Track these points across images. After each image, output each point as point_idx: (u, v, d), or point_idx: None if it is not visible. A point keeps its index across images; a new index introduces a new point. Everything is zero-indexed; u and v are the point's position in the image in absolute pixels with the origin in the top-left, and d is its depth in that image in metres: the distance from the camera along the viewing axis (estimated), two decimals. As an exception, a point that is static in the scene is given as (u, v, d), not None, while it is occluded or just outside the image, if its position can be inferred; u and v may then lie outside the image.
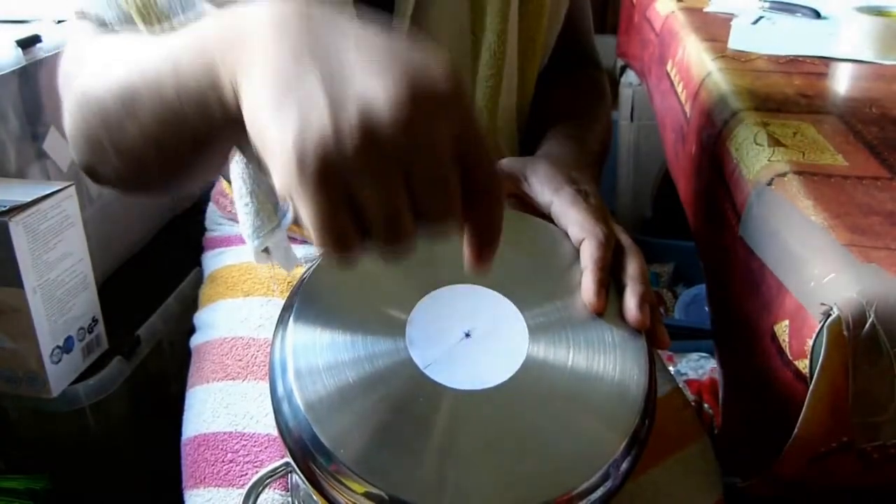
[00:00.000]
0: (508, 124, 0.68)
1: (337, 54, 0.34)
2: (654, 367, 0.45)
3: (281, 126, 0.32)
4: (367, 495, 0.38)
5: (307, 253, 0.72)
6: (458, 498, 0.38)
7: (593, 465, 0.40)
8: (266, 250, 0.65)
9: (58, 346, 0.82)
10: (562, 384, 0.43)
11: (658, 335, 0.48)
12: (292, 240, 0.70)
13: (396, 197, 0.32)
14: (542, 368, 0.43)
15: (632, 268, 0.49)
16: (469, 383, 0.42)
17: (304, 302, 0.44)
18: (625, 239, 0.51)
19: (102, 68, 0.48)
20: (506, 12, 0.62)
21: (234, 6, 0.40)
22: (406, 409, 0.40)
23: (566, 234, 0.51)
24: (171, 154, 0.46)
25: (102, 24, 0.54)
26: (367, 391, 0.41)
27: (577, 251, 0.49)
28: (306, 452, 0.39)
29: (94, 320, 0.88)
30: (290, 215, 0.64)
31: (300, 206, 0.32)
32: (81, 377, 0.87)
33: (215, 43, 0.39)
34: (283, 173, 0.32)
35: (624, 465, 0.41)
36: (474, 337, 0.44)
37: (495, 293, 0.46)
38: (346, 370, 0.41)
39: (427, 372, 0.42)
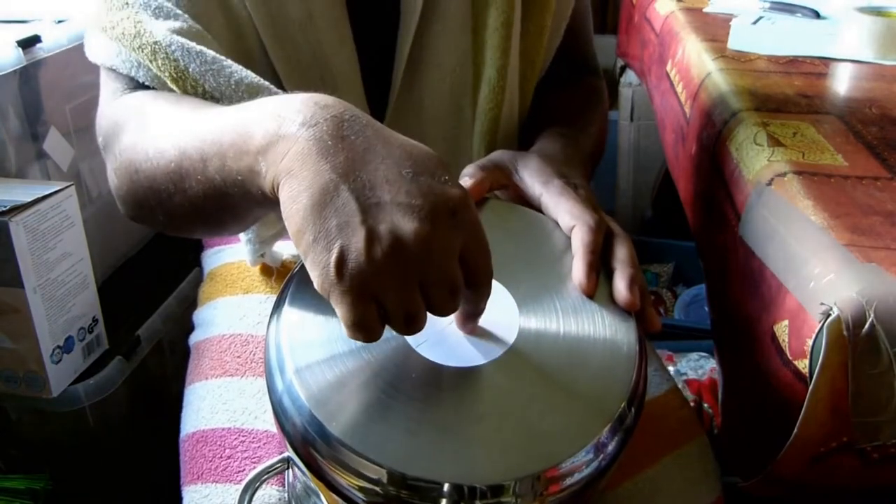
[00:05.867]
0: (508, 141, 0.68)
1: (375, 181, 0.39)
2: (644, 350, 0.46)
3: (320, 237, 0.38)
4: (369, 475, 0.38)
5: None
6: (455, 471, 0.38)
7: (579, 442, 0.40)
8: (262, 255, 0.66)
9: (58, 346, 0.82)
10: (551, 363, 0.44)
11: (648, 317, 0.49)
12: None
13: (414, 300, 0.38)
14: (532, 348, 0.44)
15: (621, 252, 0.50)
16: (461, 361, 0.43)
17: (297, 294, 0.45)
18: (614, 226, 0.52)
19: (148, 139, 0.50)
20: (506, 47, 0.62)
21: (269, 97, 0.46)
22: (401, 388, 0.41)
23: (556, 224, 0.52)
24: (216, 219, 0.51)
25: (133, 81, 0.55)
26: (363, 375, 0.42)
27: (568, 238, 0.50)
28: (308, 441, 0.40)
29: (94, 320, 0.88)
30: None
31: (335, 306, 0.38)
32: (81, 377, 0.87)
33: (257, 139, 0.42)
34: (322, 280, 0.38)
35: (611, 447, 0.42)
36: None
37: None
38: (342, 358, 0.42)
39: (419, 350, 0.43)
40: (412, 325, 0.39)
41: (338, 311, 0.38)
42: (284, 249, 0.71)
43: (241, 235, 0.65)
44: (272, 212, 0.49)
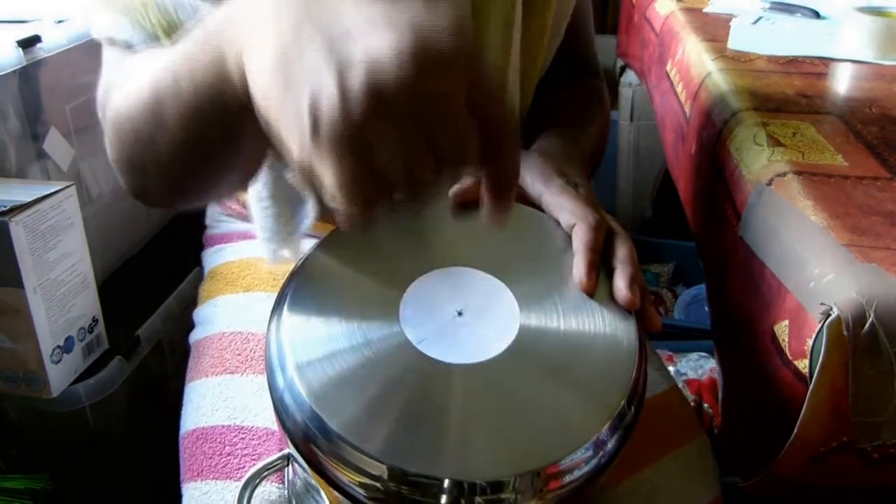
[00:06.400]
0: None
1: (337, 16, 0.33)
2: (644, 348, 0.46)
3: (290, 97, 0.32)
4: (369, 471, 0.38)
5: None
6: (455, 467, 0.38)
7: (579, 440, 0.40)
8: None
9: (58, 346, 0.82)
10: (551, 361, 0.44)
11: (649, 317, 0.49)
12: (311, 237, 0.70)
13: (414, 148, 0.32)
14: (532, 345, 0.44)
15: (621, 251, 0.50)
16: (462, 357, 0.43)
17: (298, 291, 0.45)
18: (614, 225, 0.52)
19: (129, 87, 0.48)
20: (507, 47, 0.62)
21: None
22: (402, 384, 0.41)
23: (557, 223, 0.52)
24: (202, 158, 0.46)
25: (130, 48, 0.55)
26: (364, 372, 0.42)
27: (568, 237, 0.50)
28: (309, 437, 0.40)
29: (94, 320, 0.88)
30: (310, 220, 0.64)
31: (321, 173, 0.32)
32: (81, 377, 0.87)
33: (220, 32, 0.39)
34: (299, 145, 0.32)
35: (611, 445, 0.42)
36: (466, 315, 0.45)
37: (487, 275, 0.47)
38: (344, 354, 0.42)
39: (420, 347, 0.43)
40: (417, 181, 0.33)
41: (324, 178, 0.32)
42: (305, 246, 0.70)
43: (259, 233, 0.64)
44: (256, 136, 0.41)
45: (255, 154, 0.50)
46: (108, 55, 0.57)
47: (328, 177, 0.32)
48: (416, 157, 0.33)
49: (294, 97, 0.32)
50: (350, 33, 0.33)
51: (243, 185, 0.55)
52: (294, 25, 0.34)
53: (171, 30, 0.52)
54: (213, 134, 0.44)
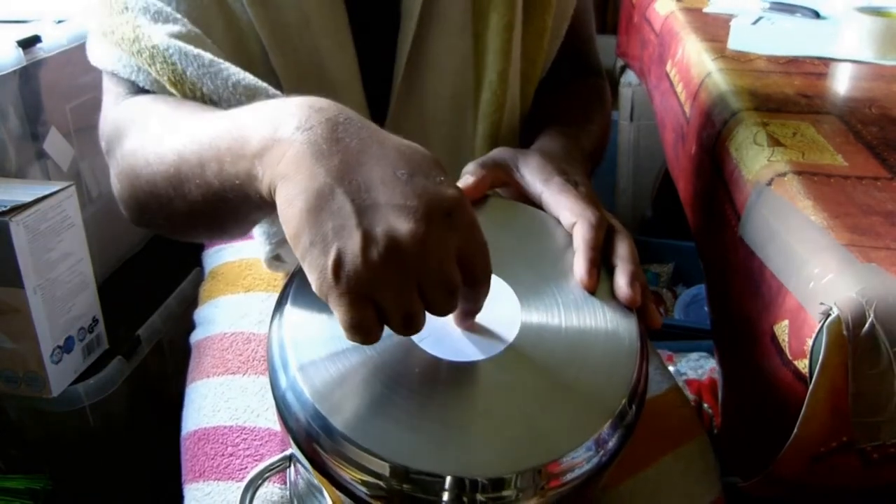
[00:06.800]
0: (510, 143, 0.68)
1: (367, 183, 0.39)
2: (645, 346, 0.46)
3: (318, 245, 0.38)
4: (372, 469, 0.39)
5: None
6: (457, 464, 0.39)
7: (580, 438, 0.40)
8: (277, 257, 0.65)
9: (58, 346, 0.82)
10: (553, 359, 0.44)
11: (650, 314, 0.49)
12: None
13: (412, 301, 0.38)
14: (534, 343, 0.44)
15: (622, 249, 0.50)
16: (464, 356, 0.43)
17: (300, 290, 0.45)
18: (615, 223, 0.52)
19: (148, 144, 0.51)
20: (507, 50, 0.62)
21: (266, 100, 0.46)
22: (404, 383, 0.42)
23: (558, 221, 0.52)
24: (216, 222, 0.52)
25: (135, 85, 0.56)
26: (366, 370, 0.42)
27: (569, 235, 0.50)
28: (311, 436, 0.40)
29: (94, 320, 0.88)
30: None
31: (334, 309, 0.38)
32: (81, 377, 0.87)
33: (253, 143, 0.43)
34: (320, 284, 0.38)
35: (612, 443, 0.42)
36: None
37: None
38: (346, 354, 0.42)
39: (422, 346, 0.43)
40: (410, 325, 0.39)
41: (336, 313, 0.38)
42: None
43: (257, 235, 0.64)
44: (270, 216, 0.49)
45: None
46: (112, 89, 0.58)
47: (339, 312, 0.38)
48: (412, 305, 0.38)
49: (322, 246, 0.38)
50: (377, 200, 0.39)
51: (246, 233, 0.58)
52: (331, 180, 0.39)
53: (178, 83, 0.53)
54: (231, 210, 0.48)
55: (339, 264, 0.37)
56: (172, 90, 0.53)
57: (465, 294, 0.41)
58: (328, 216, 0.38)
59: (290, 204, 0.39)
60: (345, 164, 0.40)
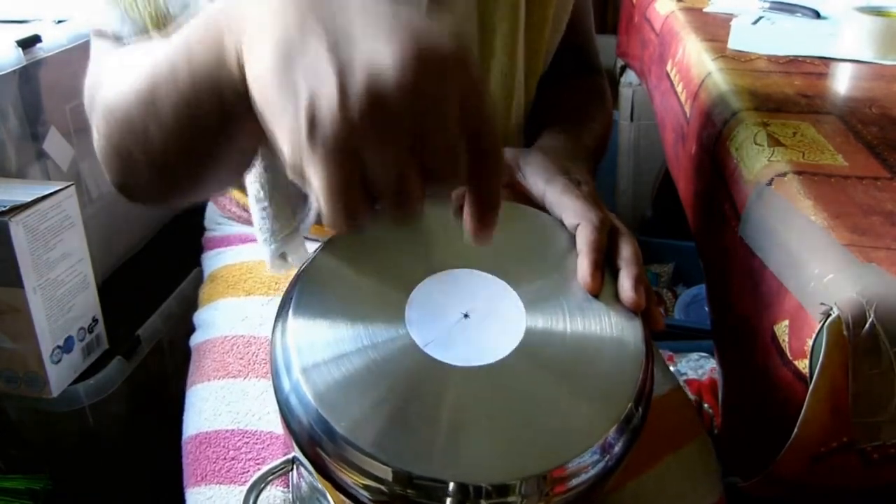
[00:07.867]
0: (517, 137, 0.68)
1: (343, 18, 0.33)
2: (650, 349, 0.46)
3: (288, 95, 0.32)
4: (375, 473, 0.38)
5: None
6: (461, 470, 0.38)
7: (586, 442, 0.40)
8: (282, 256, 0.65)
9: (58, 346, 0.82)
10: (558, 362, 0.43)
11: (653, 316, 0.48)
12: (310, 241, 0.70)
13: (405, 160, 0.33)
14: (538, 347, 0.44)
15: (626, 251, 0.49)
16: (468, 360, 0.43)
17: (303, 293, 0.45)
18: (618, 224, 0.52)
19: (121, 78, 0.48)
20: (515, 32, 0.62)
21: None
22: (409, 387, 0.41)
23: (561, 223, 0.51)
24: (195, 151, 0.46)
25: (119, 40, 0.55)
26: (370, 374, 0.41)
27: (572, 237, 0.50)
28: (314, 440, 0.40)
29: (94, 320, 0.88)
30: (310, 218, 0.64)
31: (311, 175, 0.32)
32: (81, 377, 0.87)
33: (221, 22, 0.39)
34: (292, 144, 0.32)
35: (618, 447, 0.41)
36: (472, 317, 0.45)
37: (492, 276, 0.47)
38: (349, 357, 0.42)
39: (427, 350, 0.43)
40: (404, 193, 0.33)
41: (313, 182, 0.32)
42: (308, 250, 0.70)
43: (258, 234, 0.64)
44: (254, 130, 0.40)
45: (248, 149, 0.49)
46: (97, 47, 0.57)
47: (317, 179, 0.32)
48: (404, 165, 0.33)
49: (293, 94, 0.32)
50: (354, 37, 0.33)
51: (233, 181, 0.54)
52: (300, 21, 0.34)
53: (161, 22, 0.52)
54: (208, 125, 0.43)
55: (312, 115, 0.32)
56: (154, 30, 0.52)
57: (473, 172, 0.35)
58: (298, 63, 0.33)
59: (258, 63, 0.34)
60: (318, 9, 0.34)
